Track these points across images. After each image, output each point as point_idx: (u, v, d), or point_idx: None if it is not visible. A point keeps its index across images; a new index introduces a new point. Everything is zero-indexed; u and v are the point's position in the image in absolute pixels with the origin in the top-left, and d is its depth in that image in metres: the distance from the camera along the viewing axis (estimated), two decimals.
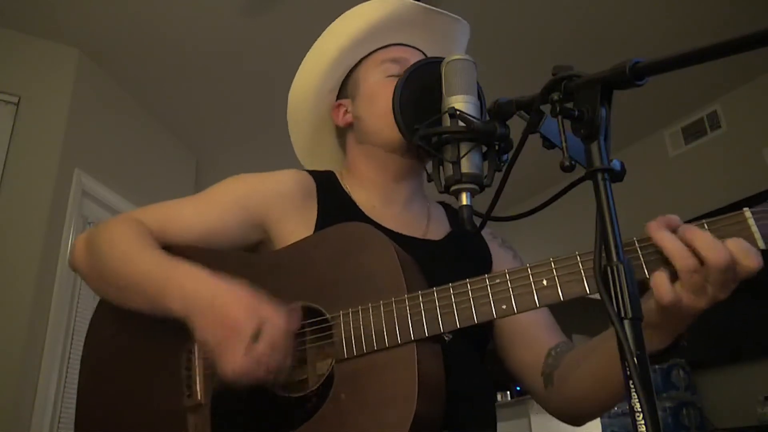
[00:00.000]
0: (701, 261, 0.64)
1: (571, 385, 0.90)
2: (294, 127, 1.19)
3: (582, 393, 0.89)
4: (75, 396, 0.97)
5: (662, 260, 0.67)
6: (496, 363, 1.05)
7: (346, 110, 1.12)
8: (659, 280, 0.65)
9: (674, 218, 0.68)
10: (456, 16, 1.14)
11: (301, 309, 0.78)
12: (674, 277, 0.66)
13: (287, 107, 1.16)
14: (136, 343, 0.90)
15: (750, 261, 0.63)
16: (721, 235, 0.66)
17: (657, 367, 3.28)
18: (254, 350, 0.74)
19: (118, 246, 0.91)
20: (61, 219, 2.84)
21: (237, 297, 0.78)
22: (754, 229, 0.65)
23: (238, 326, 0.75)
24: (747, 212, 0.66)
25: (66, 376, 2.73)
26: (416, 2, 1.08)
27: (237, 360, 0.74)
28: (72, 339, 2.80)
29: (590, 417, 0.93)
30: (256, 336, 0.74)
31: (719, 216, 0.67)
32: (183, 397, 0.86)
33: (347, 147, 1.14)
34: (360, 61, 1.12)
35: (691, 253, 0.64)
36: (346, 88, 1.13)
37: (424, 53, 1.12)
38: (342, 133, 1.16)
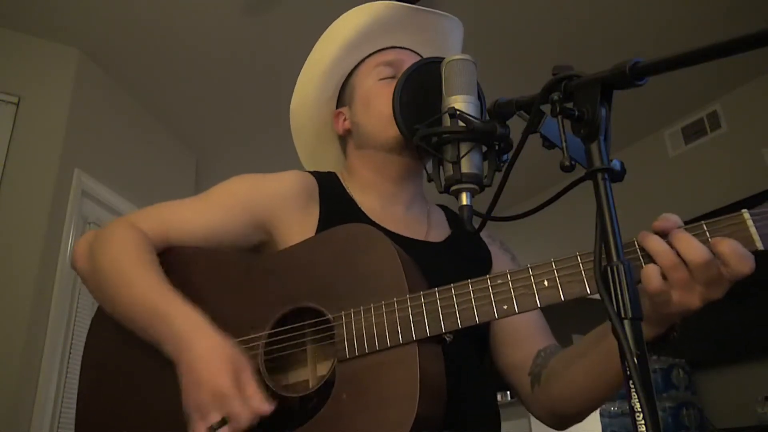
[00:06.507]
0: (684, 261, 0.66)
1: (559, 384, 0.90)
2: (298, 139, 1.20)
3: (570, 392, 0.89)
4: (75, 396, 0.97)
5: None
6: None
7: (345, 118, 1.12)
8: (649, 269, 0.66)
9: (674, 218, 0.69)
10: (445, 14, 1.14)
11: (276, 398, 0.78)
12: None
13: (290, 120, 1.17)
14: (137, 343, 0.89)
15: (742, 265, 0.64)
16: (719, 236, 0.66)
17: (657, 367, 3.28)
18: None
19: (117, 267, 0.90)
20: (61, 219, 2.84)
21: (212, 378, 0.76)
22: (753, 230, 0.65)
23: (203, 409, 0.76)
24: (745, 213, 0.67)
25: (66, 376, 2.73)
26: (399, 3, 1.08)
27: None
28: (72, 339, 2.80)
29: (574, 419, 0.93)
30: (219, 424, 0.74)
31: (718, 217, 0.67)
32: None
33: (347, 153, 1.14)
34: (354, 68, 1.12)
35: (672, 251, 0.66)
36: (344, 96, 1.14)
37: (418, 54, 1.12)
38: (343, 140, 1.16)
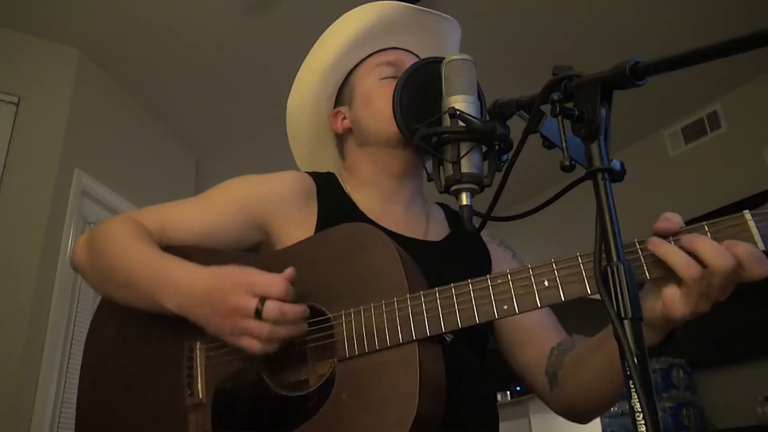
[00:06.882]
0: (705, 266, 0.64)
1: (577, 382, 0.91)
2: (294, 140, 1.20)
3: (588, 389, 0.89)
4: (75, 396, 0.98)
5: (664, 264, 0.67)
6: (496, 363, 1.05)
7: (344, 117, 1.12)
8: (672, 296, 0.67)
9: (676, 218, 0.69)
10: (446, 16, 1.14)
11: (291, 274, 0.79)
12: (678, 283, 0.67)
13: (286, 119, 1.17)
14: (137, 342, 0.90)
15: (757, 267, 0.63)
16: (721, 237, 0.66)
17: (657, 367, 3.28)
18: (264, 324, 0.75)
19: (115, 242, 0.92)
20: (61, 219, 2.84)
21: (230, 281, 0.78)
22: (754, 231, 0.65)
23: (239, 309, 0.76)
24: (747, 214, 0.66)
25: (66, 376, 2.73)
26: (405, 4, 1.09)
27: (254, 338, 0.76)
28: (72, 339, 2.80)
29: (597, 413, 0.94)
30: (260, 310, 0.76)
31: (719, 218, 0.67)
32: (184, 396, 0.86)
33: (347, 151, 1.14)
34: (354, 68, 1.12)
35: (695, 262, 0.65)
36: (342, 95, 1.14)
37: (417, 55, 1.12)
38: (341, 140, 1.16)
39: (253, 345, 0.77)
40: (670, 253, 0.66)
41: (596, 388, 0.87)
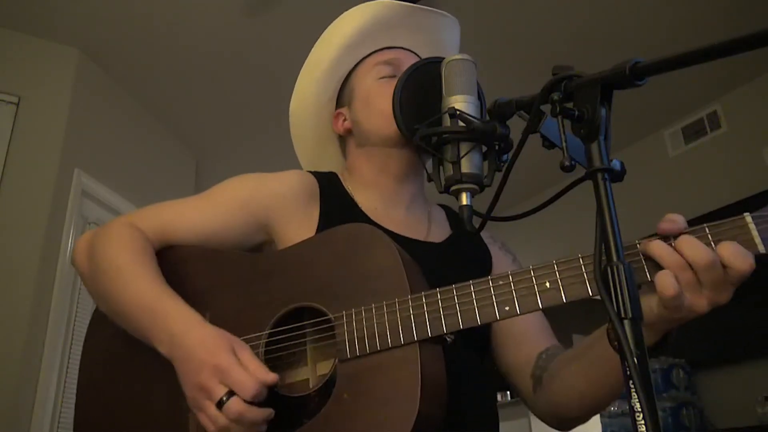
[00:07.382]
0: (689, 263, 0.66)
1: (559, 387, 0.90)
2: (298, 142, 1.20)
3: (569, 396, 0.89)
4: (75, 396, 0.97)
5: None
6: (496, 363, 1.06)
7: (345, 118, 1.12)
8: (664, 276, 0.66)
9: (679, 219, 0.69)
10: (443, 12, 1.14)
11: (273, 380, 0.77)
12: None
13: (289, 123, 1.17)
14: (137, 342, 0.89)
15: (741, 263, 0.64)
16: (722, 239, 0.66)
17: (657, 367, 3.28)
18: (222, 416, 0.73)
19: (114, 267, 0.90)
20: (61, 219, 2.84)
21: (212, 356, 0.76)
22: (755, 233, 0.66)
23: (207, 390, 0.75)
24: (748, 217, 0.67)
25: (66, 376, 2.73)
26: (400, 2, 1.08)
27: (207, 421, 0.75)
28: (72, 339, 2.80)
29: (577, 421, 0.93)
30: (224, 401, 0.74)
31: (720, 221, 0.68)
32: (184, 396, 0.86)
33: (348, 152, 1.14)
34: (353, 69, 1.12)
35: (676, 253, 0.66)
36: (342, 96, 1.14)
37: (415, 53, 1.12)
38: (342, 141, 1.16)
39: (206, 426, 0.75)
40: (655, 246, 0.67)
41: (578, 390, 0.87)
